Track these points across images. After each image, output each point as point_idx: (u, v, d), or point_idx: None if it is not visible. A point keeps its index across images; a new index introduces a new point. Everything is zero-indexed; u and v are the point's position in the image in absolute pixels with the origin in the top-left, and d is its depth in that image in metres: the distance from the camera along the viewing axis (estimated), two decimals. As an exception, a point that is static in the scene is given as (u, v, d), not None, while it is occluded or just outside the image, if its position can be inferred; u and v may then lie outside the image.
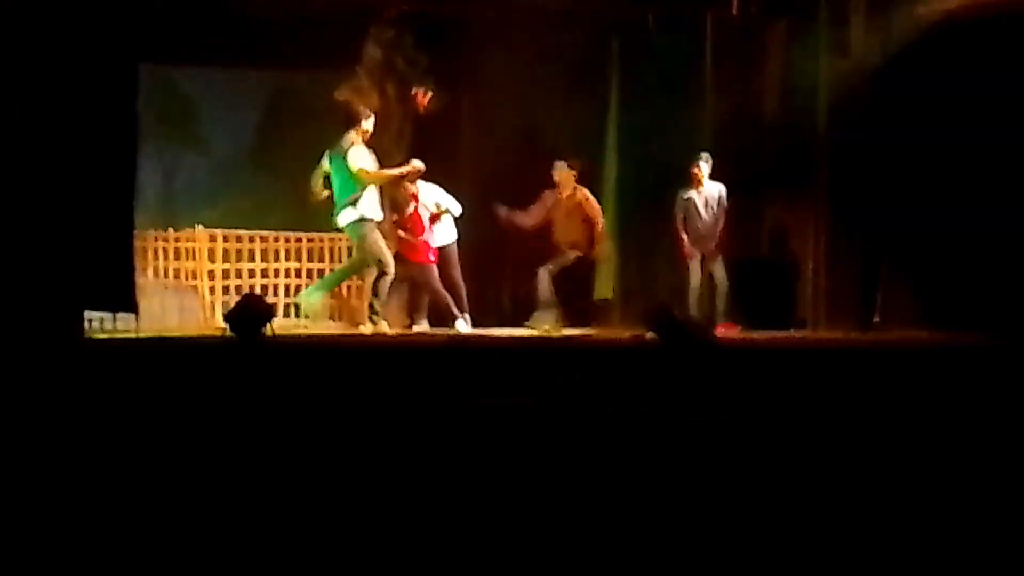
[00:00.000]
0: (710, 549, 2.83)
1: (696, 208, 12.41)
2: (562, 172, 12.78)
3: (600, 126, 13.51)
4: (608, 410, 4.81)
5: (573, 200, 12.79)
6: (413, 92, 12.93)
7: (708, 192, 12.40)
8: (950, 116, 10.95)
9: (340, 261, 13.55)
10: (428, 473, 3.99)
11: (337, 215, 11.88)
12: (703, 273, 12.41)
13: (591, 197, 12.82)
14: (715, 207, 12.37)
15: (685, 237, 12.44)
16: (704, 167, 12.34)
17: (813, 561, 2.76)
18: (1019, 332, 9.55)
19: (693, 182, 12.40)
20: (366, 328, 11.86)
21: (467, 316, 12.33)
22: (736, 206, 12.43)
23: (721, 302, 12.33)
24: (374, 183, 11.83)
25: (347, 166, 11.70)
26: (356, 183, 11.71)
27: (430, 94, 12.90)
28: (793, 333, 11.90)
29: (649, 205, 12.87)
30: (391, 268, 11.79)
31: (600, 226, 12.82)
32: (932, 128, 11.13)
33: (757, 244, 12.85)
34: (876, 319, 11.67)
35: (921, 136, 11.23)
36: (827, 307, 12.09)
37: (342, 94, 12.75)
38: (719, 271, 12.38)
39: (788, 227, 12.79)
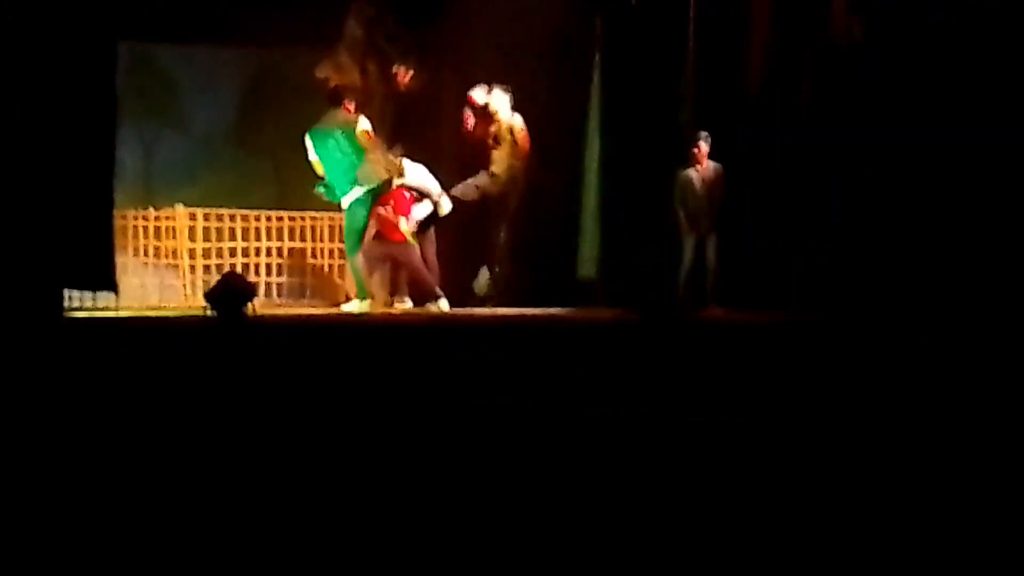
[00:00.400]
0: (710, 549, 2.80)
1: (694, 187, 12.32)
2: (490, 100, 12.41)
3: (583, 103, 13.42)
4: (608, 410, 4.78)
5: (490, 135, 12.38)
6: (394, 70, 12.87)
7: (707, 171, 12.30)
8: (935, 98, 10.92)
9: (322, 240, 13.50)
10: (417, 460, 3.96)
11: (341, 195, 11.76)
12: (696, 252, 12.32)
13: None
14: (713, 186, 12.28)
15: (682, 215, 12.35)
16: (704, 146, 12.25)
17: (813, 560, 2.73)
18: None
19: (693, 161, 12.31)
20: (348, 306, 11.84)
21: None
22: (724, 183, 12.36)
23: (710, 283, 12.26)
24: (372, 156, 11.70)
25: (356, 138, 11.54)
26: (358, 157, 11.57)
27: (411, 72, 12.83)
28: (780, 313, 11.86)
29: (632, 182, 12.79)
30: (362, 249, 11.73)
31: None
32: (916, 110, 11.09)
33: (745, 222, 12.75)
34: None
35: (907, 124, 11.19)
36: (816, 286, 12.02)
37: (323, 71, 12.69)
38: (711, 252, 12.28)
39: (775, 205, 12.69)
